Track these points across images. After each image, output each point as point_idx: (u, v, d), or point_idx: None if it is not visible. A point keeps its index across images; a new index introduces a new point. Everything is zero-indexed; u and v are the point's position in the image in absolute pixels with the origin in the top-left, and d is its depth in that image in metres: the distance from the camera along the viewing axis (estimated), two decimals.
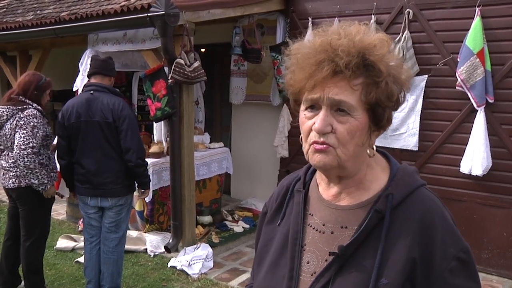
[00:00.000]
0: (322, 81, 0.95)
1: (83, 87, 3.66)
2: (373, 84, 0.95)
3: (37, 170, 3.44)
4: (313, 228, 1.07)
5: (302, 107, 1.02)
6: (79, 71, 5.37)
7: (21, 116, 3.45)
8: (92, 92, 3.50)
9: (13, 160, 3.50)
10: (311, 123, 0.98)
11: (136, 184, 3.67)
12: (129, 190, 3.63)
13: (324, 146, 0.96)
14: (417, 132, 4.66)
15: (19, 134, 3.42)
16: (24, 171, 3.43)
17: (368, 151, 1.02)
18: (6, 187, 3.59)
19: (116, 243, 3.64)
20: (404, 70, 1.01)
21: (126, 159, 3.46)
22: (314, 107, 0.99)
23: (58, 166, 3.69)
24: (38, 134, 3.44)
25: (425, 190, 1.03)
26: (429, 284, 0.94)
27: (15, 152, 3.39)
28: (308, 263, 1.04)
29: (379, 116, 0.98)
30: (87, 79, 3.76)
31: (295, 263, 1.05)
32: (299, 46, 1.02)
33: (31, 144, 3.39)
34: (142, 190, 3.72)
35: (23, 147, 3.37)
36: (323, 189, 1.09)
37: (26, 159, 3.37)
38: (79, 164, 3.52)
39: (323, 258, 1.02)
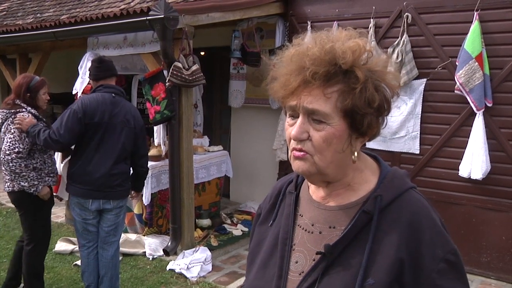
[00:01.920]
0: (296, 89, 0.98)
1: (99, 87, 3.55)
2: (349, 90, 0.96)
3: (24, 173, 3.40)
4: (302, 229, 1.08)
5: (287, 114, 1.04)
6: (78, 74, 5.38)
7: (12, 119, 3.44)
8: (114, 95, 3.52)
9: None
10: (291, 129, 1.01)
11: (134, 187, 3.75)
12: (128, 192, 3.70)
13: (302, 153, 0.99)
14: (418, 135, 4.66)
15: (6, 138, 3.40)
16: (11, 175, 3.41)
17: (352, 157, 1.03)
18: (4, 190, 3.60)
19: (116, 247, 3.65)
20: (391, 74, 1.01)
21: (139, 164, 3.65)
22: (293, 115, 1.01)
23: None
24: (27, 139, 3.40)
25: (414, 193, 1.04)
26: (417, 286, 0.94)
27: (1, 157, 3.38)
28: (296, 262, 1.06)
29: (357, 122, 0.98)
30: (98, 80, 3.60)
31: (284, 262, 1.07)
32: (281, 55, 1.04)
33: (16, 149, 3.36)
34: (137, 192, 3.88)
35: (7, 152, 3.35)
36: (313, 190, 1.11)
37: (11, 164, 3.35)
38: (86, 164, 3.43)
39: (311, 257, 1.04)
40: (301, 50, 0.99)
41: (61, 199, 4.49)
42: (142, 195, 4.01)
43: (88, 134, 3.41)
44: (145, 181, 4.89)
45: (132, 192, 3.81)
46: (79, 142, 3.44)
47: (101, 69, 3.60)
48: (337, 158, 1.00)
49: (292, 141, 1.01)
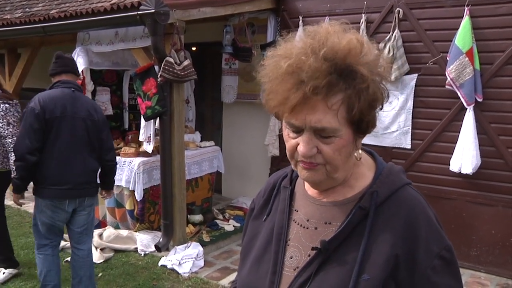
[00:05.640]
0: (296, 107, 0.91)
1: (56, 83, 3.41)
2: (355, 95, 0.91)
3: None
4: (298, 224, 1.08)
5: (284, 123, 0.99)
6: None
7: None
8: (73, 89, 3.39)
9: None
10: (295, 143, 0.97)
11: (104, 185, 3.59)
12: (98, 189, 3.59)
13: (313, 164, 0.97)
14: (410, 130, 4.69)
15: None
16: None
17: (355, 155, 1.03)
18: None
19: (90, 244, 3.58)
20: (382, 62, 0.96)
21: (108, 158, 3.49)
22: (296, 131, 0.97)
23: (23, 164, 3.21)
24: None
25: (410, 189, 1.04)
26: (412, 282, 0.94)
27: None
28: (291, 258, 1.05)
29: (363, 127, 0.97)
30: (55, 75, 3.47)
31: (279, 258, 1.06)
32: (269, 62, 0.99)
33: None
34: (108, 191, 3.69)
35: None
36: (309, 185, 1.10)
37: None
38: (57, 162, 3.24)
39: (306, 253, 1.03)
40: (294, 63, 0.91)
41: None
42: (111, 193, 3.83)
43: (53, 131, 3.23)
44: (136, 179, 4.90)
45: (103, 192, 3.63)
46: (46, 142, 3.23)
47: (58, 64, 3.47)
48: (345, 162, 0.99)
49: (297, 153, 0.98)
